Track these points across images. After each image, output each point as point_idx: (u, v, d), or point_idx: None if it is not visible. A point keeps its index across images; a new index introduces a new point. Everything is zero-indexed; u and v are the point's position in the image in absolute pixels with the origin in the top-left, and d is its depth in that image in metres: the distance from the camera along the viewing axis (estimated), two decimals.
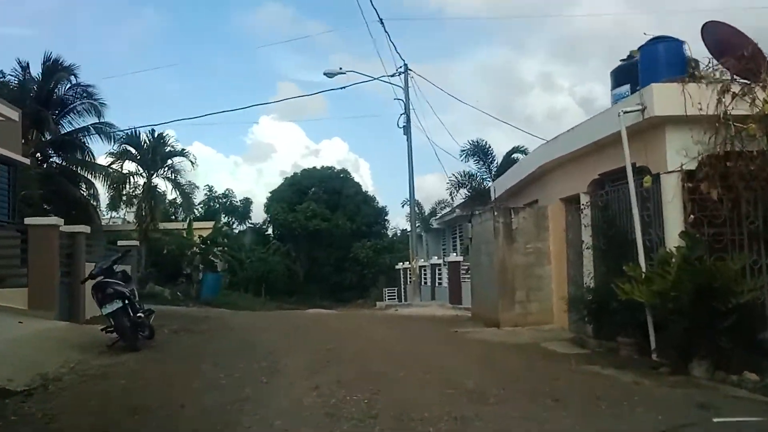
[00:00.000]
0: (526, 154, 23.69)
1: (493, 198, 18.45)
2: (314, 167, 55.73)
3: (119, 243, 18.31)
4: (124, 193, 27.59)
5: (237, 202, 52.50)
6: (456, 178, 24.48)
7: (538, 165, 14.48)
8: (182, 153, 27.18)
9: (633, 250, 11.09)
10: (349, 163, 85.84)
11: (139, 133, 26.40)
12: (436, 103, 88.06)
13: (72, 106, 29.94)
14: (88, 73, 49.54)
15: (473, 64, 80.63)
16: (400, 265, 30.89)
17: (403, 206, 29.06)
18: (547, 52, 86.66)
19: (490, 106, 76.01)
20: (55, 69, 29.32)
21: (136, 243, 18.28)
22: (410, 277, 29.29)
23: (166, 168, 27.04)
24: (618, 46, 77.43)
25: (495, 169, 24.20)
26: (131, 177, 26.78)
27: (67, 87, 29.34)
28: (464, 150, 23.91)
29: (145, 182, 26.57)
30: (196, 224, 40.26)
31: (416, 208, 28.92)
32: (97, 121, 27.74)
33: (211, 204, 51.72)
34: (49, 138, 28.67)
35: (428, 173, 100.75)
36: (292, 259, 48.93)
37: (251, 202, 53.17)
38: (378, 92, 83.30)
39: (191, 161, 27.37)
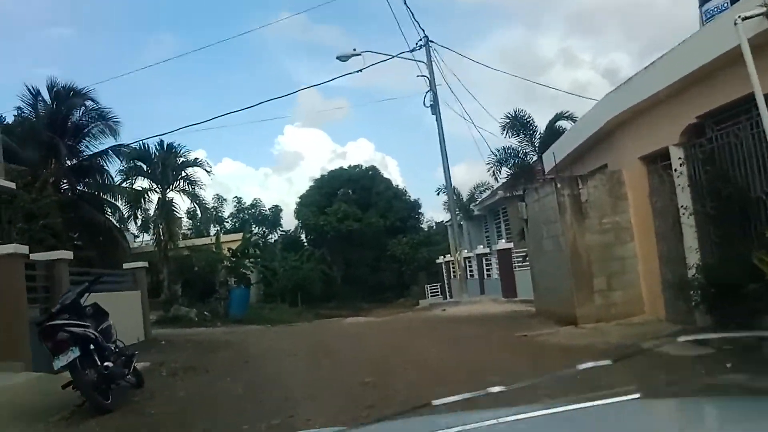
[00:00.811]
0: (573, 121, 20.55)
1: (545, 171, 15.40)
2: (341, 167, 53.14)
3: (124, 266, 15.75)
4: (141, 212, 25.15)
5: (266, 211, 50.08)
6: (496, 155, 21.44)
7: (606, 120, 11.39)
8: (195, 162, 24.72)
9: (762, 212, 8.08)
10: (376, 162, 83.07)
11: (148, 146, 24.08)
12: (460, 87, 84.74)
13: (87, 130, 27.97)
14: (108, 99, 47.93)
15: (490, 49, 77.15)
16: (441, 259, 27.92)
17: (438, 194, 26.23)
18: (564, 28, 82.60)
19: (511, 88, 73.08)
20: (67, 95, 27.34)
21: (144, 264, 15.63)
22: (454, 271, 26.31)
23: (181, 180, 24.58)
24: (634, 13, 73.04)
25: (538, 141, 21.06)
26: (146, 194, 24.36)
27: (82, 111, 27.27)
28: (503, 123, 20.87)
29: (159, 198, 24.10)
30: (224, 237, 37.95)
31: (454, 194, 25.93)
32: (114, 143, 25.58)
33: (241, 216, 49.37)
34: (68, 165, 26.65)
35: (457, 163, 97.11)
36: (327, 263, 46.32)
37: (281, 210, 50.77)
38: (400, 81, 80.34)
39: (206, 170, 24.94)
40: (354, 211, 46.94)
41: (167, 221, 23.12)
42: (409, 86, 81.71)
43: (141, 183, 24.83)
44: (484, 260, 21.61)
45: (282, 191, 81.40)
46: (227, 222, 47.71)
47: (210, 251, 33.89)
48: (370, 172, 52.00)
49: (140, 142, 23.68)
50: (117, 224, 30.78)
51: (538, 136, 21.29)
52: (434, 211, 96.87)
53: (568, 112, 20.78)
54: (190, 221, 27.46)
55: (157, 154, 23.27)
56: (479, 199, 26.21)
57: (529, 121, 21.11)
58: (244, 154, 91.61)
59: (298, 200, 50.51)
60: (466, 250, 22.58)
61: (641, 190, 11.23)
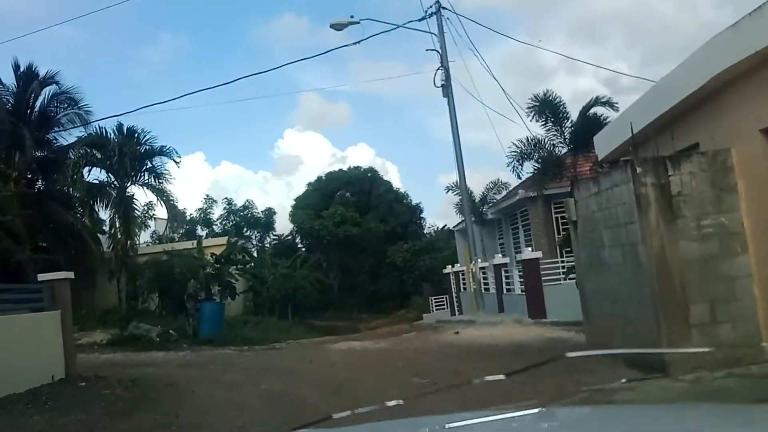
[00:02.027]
0: (612, 107, 16.88)
1: (599, 159, 11.71)
2: (340, 169, 49.43)
3: (39, 277, 11.89)
4: (104, 210, 21.27)
5: (258, 213, 46.25)
6: (518, 147, 17.73)
7: (711, 75, 7.67)
8: (162, 151, 20.81)
9: None
10: (377, 167, 79.59)
11: (106, 132, 20.28)
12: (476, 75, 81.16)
13: (57, 118, 24.33)
14: (110, 102, 44.80)
15: (492, 56, 73.71)
16: (448, 269, 24.20)
17: (447, 191, 22.47)
18: (566, 36, 79.09)
19: (513, 96, 69.89)
20: (30, 79, 23.72)
21: (67, 275, 11.78)
22: (464, 283, 22.56)
23: (145, 172, 20.80)
24: (635, 21, 69.49)
25: (569, 130, 17.39)
26: (105, 188, 20.45)
27: (50, 96, 23.55)
28: (530, 105, 17.16)
29: (116, 193, 20.19)
30: (208, 241, 34.22)
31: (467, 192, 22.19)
32: (85, 133, 21.77)
33: (231, 218, 45.57)
34: (35, 156, 22.90)
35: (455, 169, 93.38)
36: (323, 270, 42.53)
37: (274, 213, 46.91)
38: (403, 86, 77.19)
39: (175, 161, 21.05)
40: (352, 215, 43.20)
41: (125, 220, 19.32)
42: (412, 89, 78.17)
43: (99, 175, 20.99)
44: (503, 272, 17.91)
45: (281, 195, 78.17)
46: (216, 225, 43.93)
47: (191, 256, 30.26)
48: (370, 174, 48.28)
49: (96, 125, 19.97)
50: (90, 225, 27.18)
51: (569, 125, 17.59)
52: (436, 218, 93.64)
53: (605, 96, 17.08)
54: (168, 222, 23.32)
55: (115, 140, 19.48)
56: (493, 201, 22.46)
57: (559, 106, 17.42)
58: (244, 157, 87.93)
59: (294, 203, 46.78)
60: (479, 259, 18.83)
61: (761, 179, 7.53)
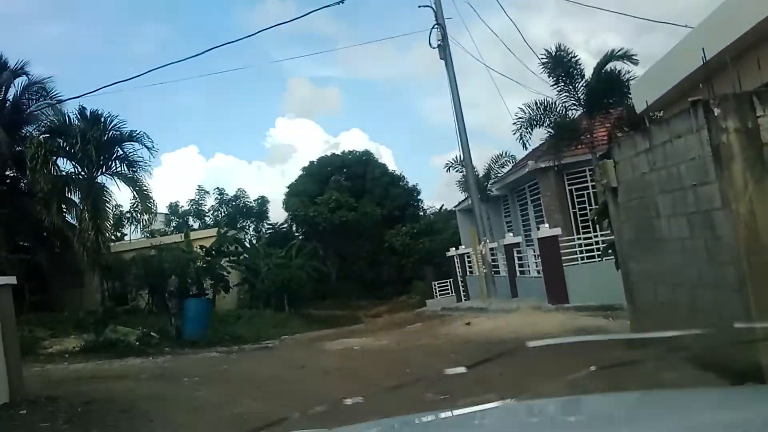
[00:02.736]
0: (631, 60, 14.82)
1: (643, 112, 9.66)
2: (333, 153, 47.27)
3: None
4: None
5: (251, 202, 44.12)
6: (526, 112, 15.69)
7: None
8: (132, 137, 18.55)
9: None
10: (371, 152, 77.46)
11: (69, 118, 18.06)
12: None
13: (30, 111, 22.16)
14: (96, 99, 42.56)
15: (482, 33, 71.19)
16: (452, 251, 22.19)
17: (448, 169, 20.34)
18: (555, 9, 76.42)
19: (504, 72, 67.39)
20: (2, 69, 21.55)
21: (8, 281, 9.72)
22: (470, 267, 20.58)
23: (116, 160, 18.61)
24: None
25: (583, 91, 15.36)
26: (74, 180, 18.26)
27: (21, 88, 21.30)
28: (542, 62, 15.11)
29: (83, 184, 17.98)
30: (196, 234, 32.19)
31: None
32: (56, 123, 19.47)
33: (223, 209, 43.49)
34: (11, 152, 20.70)
35: (450, 150, 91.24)
36: (320, 258, 40.54)
37: (267, 201, 44.77)
38: (395, 70, 74.88)
39: (148, 147, 18.81)
40: (347, 200, 41.13)
41: (94, 214, 17.23)
42: (403, 71, 75.67)
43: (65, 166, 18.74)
44: (515, 252, 15.91)
45: (276, 184, 76.00)
46: (208, 216, 41.87)
47: (180, 250, 28.26)
48: (364, 158, 46.18)
49: (58, 108, 17.74)
50: (75, 223, 25.13)
51: (582, 85, 15.55)
52: (432, 201, 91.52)
53: (622, 49, 14.99)
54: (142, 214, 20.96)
55: (80, 126, 17.30)
56: (498, 176, 20.37)
57: (572, 64, 15.35)
58: (237, 148, 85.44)
59: (287, 190, 44.67)
60: (487, 240, 16.81)
61: None
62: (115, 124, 17.98)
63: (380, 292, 40.04)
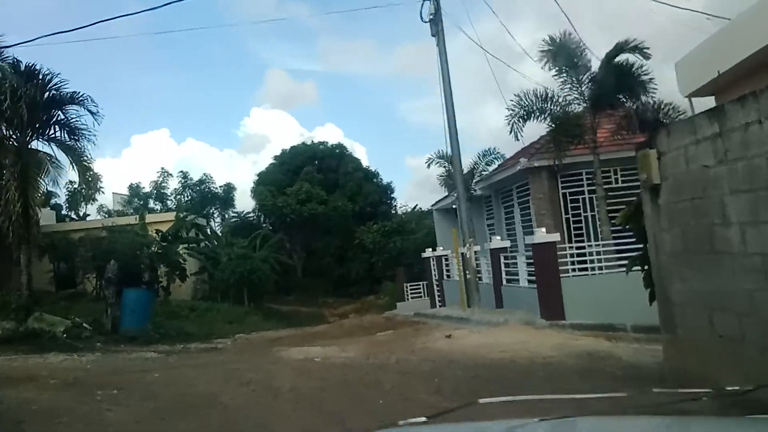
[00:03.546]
0: (643, 54, 13.09)
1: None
2: (304, 143, 45.00)
3: None
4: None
5: (217, 188, 41.65)
6: (521, 101, 13.85)
7: None
8: (73, 99, 15.96)
9: None
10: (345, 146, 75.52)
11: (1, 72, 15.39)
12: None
13: None
14: (79, 79, 39.65)
15: (463, 38, 69.79)
16: (428, 253, 20.26)
17: (429, 166, 18.31)
18: (536, 19, 75.29)
19: (484, 80, 65.70)
20: None
21: None
22: (448, 270, 18.70)
23: (54, 125, 16.04)
24: (606, 6, 66.10)
25: (588, 84, 13.58)
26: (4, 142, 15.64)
27: None
28: (543, 50, 13.28)
29: (15, 148, 15.42)
30: (153, 217, 29.76)
31: (449, 166, 18.13)
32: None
33: (187, 192, 40.94)
34: None
35: (425, 152, 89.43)
36: (286, 251, 38.33)
37: (234, 189, 42.32)
38: (371, 64, 73.04)
39: (91, 111, 16.27)
40: (318, 193, 39.00)
41: (22, 183, 14.73)
42: (382, 69, 73.87)
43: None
44: (502, 258, 14.03)
45: (247, 174, 73.53)
46: (170, 199, 39.30)
47: (134, 233, 25.84)
48: (338, 150, 44.07)
49: None
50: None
51: (588, 78, 13.77)
52: (407, 197, 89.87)
53: (635, 40, 13.22)
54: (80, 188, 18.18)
55: (11, 80, 14.74)
56: (483, 175, 18.43)
57: (577, 54, 13.55)
58: (209, 134, 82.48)
59: (256, 178, 42.29)
60: (473, 242, 14.87)
61: None
62: (55, 84, 15.52)
63: (347, 290, 38.05)
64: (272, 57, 75.39)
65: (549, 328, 11.51)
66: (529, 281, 13.11)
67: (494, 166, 18.71)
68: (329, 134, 77.67)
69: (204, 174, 41.73)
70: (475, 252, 15.56)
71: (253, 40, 74.01)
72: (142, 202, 40.01)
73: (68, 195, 40.02)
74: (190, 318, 20.38)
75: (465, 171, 18.30)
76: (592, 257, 12.72)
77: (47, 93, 15.40)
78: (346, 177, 41.69)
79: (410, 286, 24.17)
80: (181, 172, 41.24)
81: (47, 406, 7.36)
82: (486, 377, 7.83)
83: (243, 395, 7.56)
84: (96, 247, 24.20)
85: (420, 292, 23.92)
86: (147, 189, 40.68)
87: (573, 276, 12.25)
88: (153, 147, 61.10)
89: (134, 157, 63.64)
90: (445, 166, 18.10)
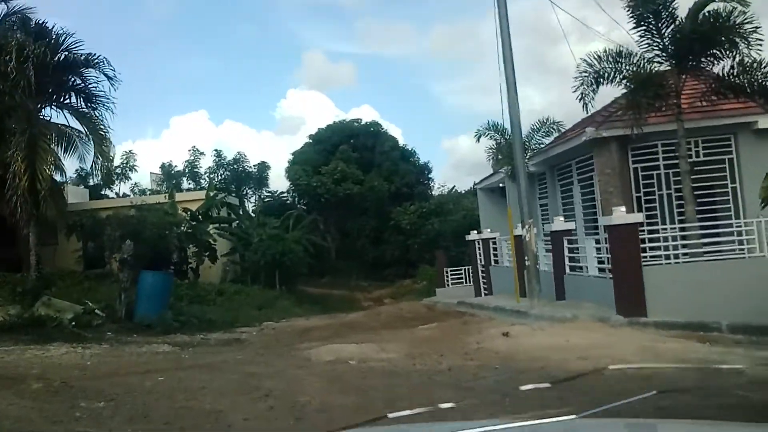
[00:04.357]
0: (741, 2, 10.78)
1: None
2: (341, 121, 43.13)
3: None
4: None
5: (251, 167, 40.18)
6: (591, 63, 11.72)
7: None
8: (88, 62, 14.15)
9: None
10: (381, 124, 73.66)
11: (12, 31, 13.68)
12: None
13: None
14: (107, 51, 38.97)
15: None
16: (473, 235, 18.22)
17: (478, 139, 16.16)
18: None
19: (522, 60, 62.99)
20: None
21: None
22: (496, 254, 16.73)
23: (70, 92, 14.40)
24: None
25: (669, 37, 11.35)
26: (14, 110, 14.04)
27: None
28: (629, 4, 11.08)
29: (23, 115, 13.78)
30: (182, 195, 28.35)
31: (499, 136, 15.98)
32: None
33: (220, 172, 39.62)
34: None
35: (461, 133, 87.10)
36: (320, 232, 36.74)
37: (268, 167, 40.81)
38: (408, 47, 70.81)
39: (108, 76, 14.58)
40: (354, 172, 37.21)
41: (30, 154, 13.18)
42: (420, 52, 71.42)
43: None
44: (565, 242, 11.96)
45: (283, 155, 72.38)
46: (203, 179, 38.00)
47: (164, 211, 24.47)
48: (373, 129, 42.09)
49: None
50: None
51: (672, 31, 11.52)
52: (446, 176, 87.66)
53: None
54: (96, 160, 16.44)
55: (18, 38, 13.07)
56: (539, 148, 16.21)
57: (663, 3, 11.30)
58: (247, 116, 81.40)
59: (291, 158, 40.66)
60: (532, 223, 12.79)
61: None
62: (69, 45, 13.89)
63: (382, 274, 36.36)
64: (310, 38, 73.87)
65: (628, 326, 9.49)
66: (600, 269, 11.06)
67: (551, 139, 16.53)
68: (365, 115, 75.58)
69: (238, 152, 40.36)
70: (522, 236, 13.55)
71: (291, 21, 72.32)
72: (174, 182, 38.87)
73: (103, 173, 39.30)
74: (217, 302, 18.86)
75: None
76: (675, 242, 10.61)
77: (59, 55, 13.79)
78: (382, 156, 39.80)
79: (451, 271, 22.21)
80: (215, 150, 39.92)
81: (7, 429, 5.74)
82: (571, 397, 5.92)
83: (257, 415, 5.80)
84: (123, 226, 22.87)
85: (461, 278, 21.98)
86: (179, 168, 39.51)
87: (656, 264, 10.17)
88: (192, 128, 60.50)
89: (174, 138, 63.41)
90: (496, 139, 16.01)
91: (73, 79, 14.57)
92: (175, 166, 39.62)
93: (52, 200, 19.45)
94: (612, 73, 11.84)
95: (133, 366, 8.93)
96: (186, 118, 70.53)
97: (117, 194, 37.66)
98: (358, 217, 37.69)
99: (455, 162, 63.68)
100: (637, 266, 9.60)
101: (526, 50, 67.74)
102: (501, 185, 19.86)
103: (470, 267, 20.03)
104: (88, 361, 9.30)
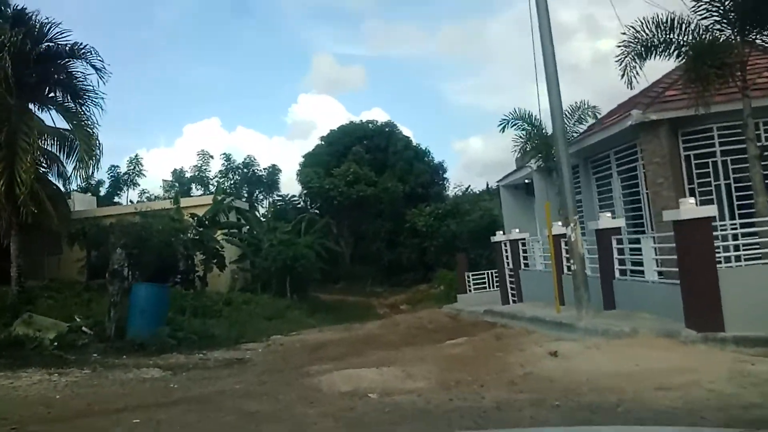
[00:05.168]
0: None
1: None
2: (352, 122, 41.64)
3: None
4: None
5: (261, 171, 38.73)
6: (638, 33, 10.07)
7: None
8: (74, 52, 12.53)
9: None
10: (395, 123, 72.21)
11: None
12: None
13: None
14: (119, 61, 37.90)
15: (510, 15, 64.98)
16: (500, 236, 16.43)
17: (503, 129, 14.33)
18: None
19: (530, 57, 61.70)
20: None
21: None
22: (525, 256, 15.05)
23: (56, 87, 12.88)
24: None
25: (731, 2, 9.65)
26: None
27: None
28: None
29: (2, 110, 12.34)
30: (188, 201, 26.86)
31: (528, 126, 14.23)
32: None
33: (230, 176, 38.23)
34: None
35: (471, 134, 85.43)
36: (333, 236, 35.18)
37: (279, 171, 39.37)
38: (418, 48, 69.33)
39: (95, 67, 13.00)
40: (367, 174, 35.63)
41: (9, 155, 11.58)
42: (429, 53, 69.92)
43: None
44: (614, 242, 10.26)
45: (295, 160, 71.51)
46: (212, 184, 36.59)
47: (169, 217, 23.09)
48: (387, 129, 40.52)
49: None
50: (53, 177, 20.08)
51: None
52: (461, 176, 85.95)
53: None
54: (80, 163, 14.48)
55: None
56: (573, 137, 14.43)
57: None
58: (258, 122, 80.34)
59: (302, 160, 39.17)
60: (571, 223, 11.08)
61: None
62: (54, 35, 12.30)
63: (398, 278, 34.73)
64: (319, 42, 72.67)
65: (702, 343, 7.78)
66: (660, 273, 9.37)
67: (583, 128, 14.82)
68: (376, 118, 74.94)
69: (247, 156, 38.93)
70: (563, 234, 11.89)
71: (299, 26, 71.20)
72: (185, 188, 37.55)
73: (111, 179, 38.05)
74: (223, 314, 17.29)
75: (550, 133, 14.58)
76: (744, 240, 8.89)
77: (42, 45, 12.27)
78: (395, 156, 38.22)
79: (473, 275, 20.52)
80: (224, 154, 38.53)
81: None
82: None
83: None
84: (127, 234, 21.41)
85: (484, 283, 20.28)
86: (189, 174, 38.22)
87: (733, 266, 8.47)
88: (204, 136, 59.71)
89: (187, 146, 62.76)
90: (525, 129, 14.30)
91: (57, 72, 13.07)
92: (186, 172, 38.33)
93: (53, 208, 18.12)
94: (664, 43, 10.14)
95: (110, 400, 7.37)
96: (198, 125, 69.73)
97: (130, 201, 36.49)
98: (373, 220, 36.12)
99: (466, 163, 62.20)
100: (710, 269, 7.89)
101: (534, 48, 65.88)
102: (527, 181, 18.18)
103: (494, 271, 18.34)
104: (58, 395, 7.76)
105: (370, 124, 40.60)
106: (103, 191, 37.93)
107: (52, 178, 20.11)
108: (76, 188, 29.23)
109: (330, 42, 71.44)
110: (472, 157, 63.59)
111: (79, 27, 60.27)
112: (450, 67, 77.18)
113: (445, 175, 41.07)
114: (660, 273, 9.38)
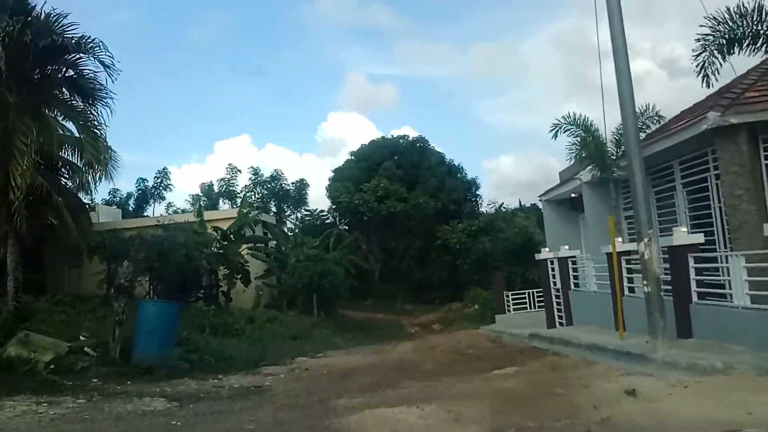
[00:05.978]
0: None
1: None
2: (383, 137, 40.48)
3: None
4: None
5: (289, 185, 37.73)
6: (717, 25, 8.67)
7: None
8: (80, 46, 11.41)
9: None
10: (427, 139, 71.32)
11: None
12: None
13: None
14: (155, 85, 37.95)
15: (542, 36, 63.69)
16: (546, 254, 14.84)
17: (555, 136, 12.87)
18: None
19: (564, 77, 60.28)
20: None
21: None
22: (575, 278, 13.52)
23: (63, 85, 11.85)
24: (693, 3, 58.03)
25: None
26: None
27: None
28: None
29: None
30: (212, 214, 25.78)
31: (582, 132, 12.73)
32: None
33: (257, 190, 37.30)
34: None
35: (502, 153, 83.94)
36: (362, 253, 33.92)
37: (307, 185, 38.31)
38: (447, 68, 68.49)
39: (105, 64, 11.92)
40: (397, 189, 34.29)
41: (5, 154, 10.58)
42: (459, 71, 69.12)
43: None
44: (691, 261, 8.73)
45: (324, 177, 71.01)
46: (239, 197, 35.65)
47: (192, 230, 22.06)
48: (419, 144, 39.23)
49: None
50: (74, 189, 19.28)
51: None
52: (494, 193, 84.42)
53: None
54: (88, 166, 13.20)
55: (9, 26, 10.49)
56: (652, 138, 12.80)
57: None
58: (289, 140, 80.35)
59: (332, 174, 38.07)
60: (652, 236, 9.49)
61: None
62: (59, 27, 11.24)
63: (429, 296, 33.21)
64: (351, 61, 72.48)
65: None
66: (753, 298, 7.81)
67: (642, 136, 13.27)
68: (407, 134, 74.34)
69: (275, 170, 37.97)
70: (627, 252, 10.37)
71: (332, 45, 71.04)
72: (213, 202, 36.75)
73: (138, 192, 37.52)
74: (245, 332, 16.05)
75: (607, 141, 13.14)
76: None
77: (46, 39, 11.28)
78: (427, 172, 36.87)
79: (513, 295, 18.94)
80: (251, 167, 37.64)
81: None
82: None
83: None
84: (147, 247, 20.38)
85: (525, 303, 18.71)
86: (216, 188, 37.42)
87: None
88: (235, 152, 59.61)
89: (218, 162, 62.76)
90: (580, 135, 12.82)
91: (62, 68, 12.06)
92: (213, 185, 37.58)
93: (73, 219, 17.23)
94: (751, 37, 8.67)
95: None
96: (229, 142, 69.77)
97: (157, 215, 35.88)
98: (403, 237, 34.73)
99: (497, 182, 60.80)
100: None
101: (568, 68, 64.46)
102: (573, 195, 16.65)
103: (535, 290, 16.79)
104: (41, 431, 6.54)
105: (401, 140, 39.38)
106: (131, 205, 37.41)
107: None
108: (101, 201, 28.59)
109: (362, 61, 71.20)
110: (504, 176, 62.11)
111: (118, 47, 60.71)
112: (481, 85, 76.17)
113: (477, 192, 39.56)
114: (753, 297, 7.82)
